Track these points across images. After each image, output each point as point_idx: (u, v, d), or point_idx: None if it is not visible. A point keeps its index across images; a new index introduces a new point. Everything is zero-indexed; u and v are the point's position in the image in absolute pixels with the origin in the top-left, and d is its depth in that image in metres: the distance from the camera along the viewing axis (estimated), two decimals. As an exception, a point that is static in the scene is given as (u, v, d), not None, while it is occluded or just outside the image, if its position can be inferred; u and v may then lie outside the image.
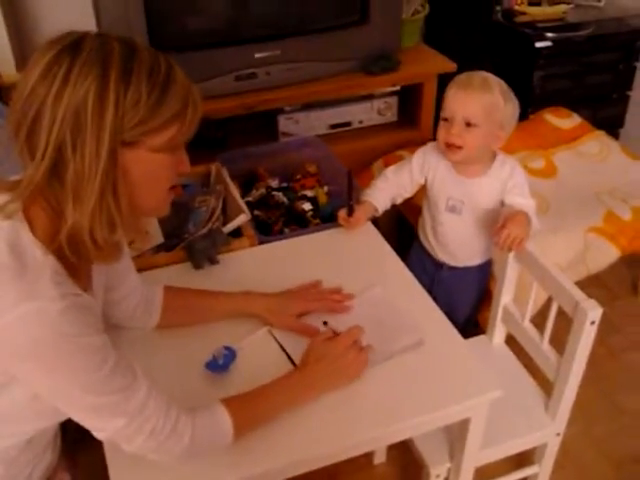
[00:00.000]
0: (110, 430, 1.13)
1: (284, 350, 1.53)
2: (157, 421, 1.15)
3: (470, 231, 1.99)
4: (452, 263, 2.09)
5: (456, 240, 2.04)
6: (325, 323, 1.58)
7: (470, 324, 2.18)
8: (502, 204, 1.91)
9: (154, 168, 1.10)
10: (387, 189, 2.01)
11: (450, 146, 1.86)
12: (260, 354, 1.50)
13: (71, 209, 1.03)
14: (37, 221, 1.08)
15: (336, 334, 1.49)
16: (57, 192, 1.04)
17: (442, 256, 2.10)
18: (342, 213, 1.89)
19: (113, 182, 1.04)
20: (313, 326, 1.59)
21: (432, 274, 2.11)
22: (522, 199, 1.87)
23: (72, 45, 1.01)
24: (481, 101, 1.79)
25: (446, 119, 1.85)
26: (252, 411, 1.33)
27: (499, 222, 1.76)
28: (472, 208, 1.95)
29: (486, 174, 1.91)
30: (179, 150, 1.14)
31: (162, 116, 1.04)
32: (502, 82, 1.84)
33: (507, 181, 1.89)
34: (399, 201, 2.06)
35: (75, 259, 1.10)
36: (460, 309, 2.08)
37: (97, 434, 1.14)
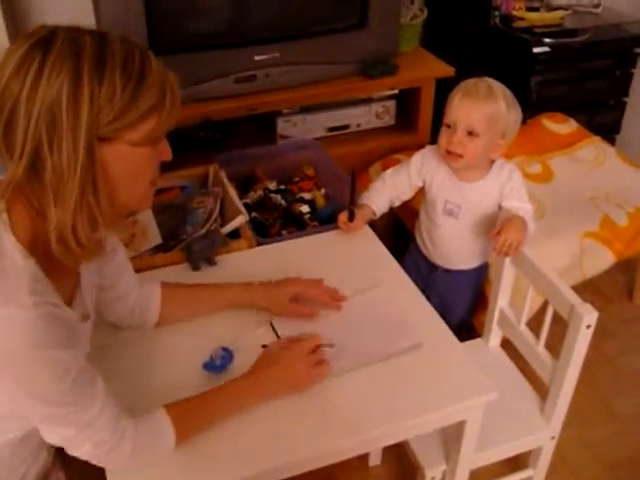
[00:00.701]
0: (58, 437, 1.14)
1: None
2: (105, 434, 1.15)
3: (466, 235, 2.00)
4: (447, 266, 2.10)
5: (452, 243, 2.04)
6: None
7: (464, 327, 2.18)
8: (500, 208, 1.92)
9: (134, 162, 1.09)
10: (385, 192, 2.01)
11: (451, 153, 1.86)
12: (257, 355, 1.50)
13: (53, 208, 1.02)
14: (19, 222, 1.07)
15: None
16: (37, 191, 1.03)
17: (437, 259, 2.10)
18: (343, 217, 1.88)
19: (93, 179, 1.02)
20: (309, 309, 1.59)
21: (426, 277, 2.11)
22: (519, 203, 1.88)
23: (44, 40, 0.99)
24: (485, 111, 1.79)
25: (449, 125, 1.85)
26: (195, 417, 1.32)
27: (496, 227, 1.76)
28: (469, 212, 1.95)
29: (484, 178, 1.92)
30: (160, 141, 1.12)
31: (139, 109, 1.03)
32: (507, 90, 1.84)
33: (505, 185, 1.89)
34: (397, 204, 2.06)
35: (58, 260, 1.09)
36: (454, 312, 2.09)
37: (45, 436, 1.14)
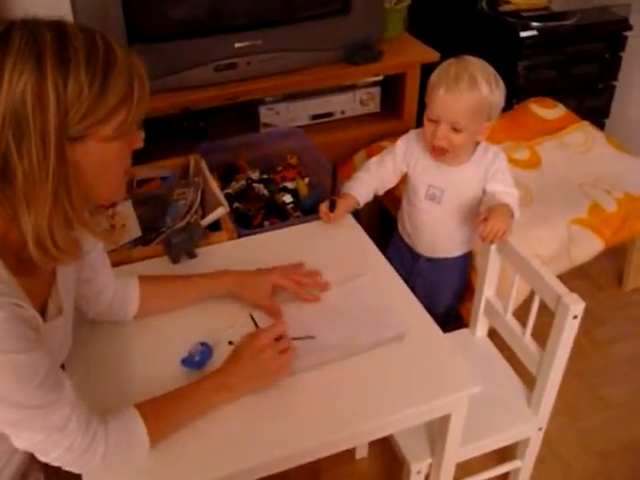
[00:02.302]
0: (27, 442, 1.11)
1: None
2: (75, 439, 1.12)
3: (449, 221, 1.97)
4: (430, 254, 2.07)
5: (434, 230, 2.01)
6: (230, 343, 1.50)
7: (450, 317, 2.16)
8: (484, 192, 1.89)
9: (106, 157, 1.06)
10: (370, 181, 1.98)
11: (436, 148, 1.83)
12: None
13: (26, 213, 0.99)
14: None
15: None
16: (9, 196, 1.00)
17: (420, 247, 2.08)
18: (323, 207, 1.85)
19: (65, 181, 1.00)
20: (279, 308, 1.58)
21: (410, 266, 2.08)
22: (504, 187, 1.85)
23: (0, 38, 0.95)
24: (469, 103, 1.74)
25: (432, 120, 1.81)
26: (167, 416, 1.29)
27: (481, 214, 1.73)
28: (453, 197, 1.92)
29: (469, 161, 1.89)
30: (131, 133, 1.09)
31: (108, 104, 1.00)
32: (488, 68, 1.78)
33: (489, 167, 1.86)
34: (382, 192, 2.03)
35: (27, 262, 1.06)
36: (439, 302, 2.07)
37: (15, 442, 1.11)
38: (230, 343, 1.49)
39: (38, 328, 1.09)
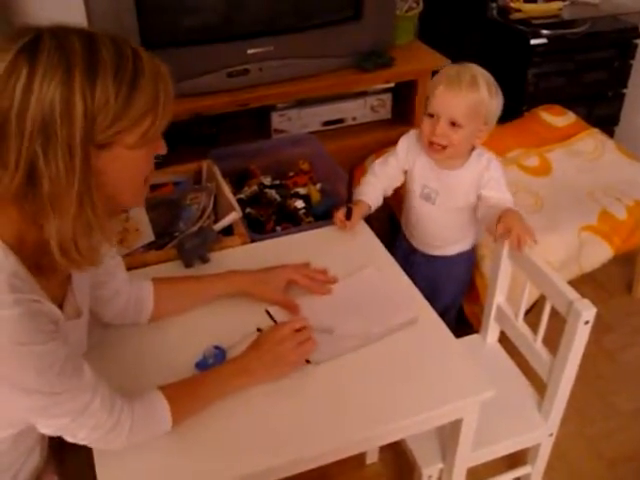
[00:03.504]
0: (53, 427, 1.14)
1: None
2: (100, 418, 1.16)
3: (442, 221, 2.02)
4: (426, 251, 2.12)
5: (428, 228, 2.06)
6: (259, 330, 1.54)
7: (450, 316, 2.17)
8: (478, 198, 1.91)
9: (131, 164, 1.08)
10: (377, 184, 2.00)
11: (433, 145, 1.85)
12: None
13: (52, 219, 1.01)
14: (6, 221, 1.05)
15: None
16: (33, 201, 1.01)
17: (416, 243, 2.12)
18: (340, 215, 1.86)
19: (89, 188, 1.01)
20: (295, 303, 1.61)
21: (408, 261, 2.10)
22: (498, 193, 1.87)
23: (29, 47, 0.95)
24: (468, 101, 1.78)
25: (431, 115, 1.84)
26: (189, 398, 1.34)
27: (497, 229, 1.72)
28: (446, 199, 1.96)
29: (463, 167, 1.91)
30: (155, 141, 1.11)
31: (134, 113, 1.02)
32: (489, 76, 1.83)
33: (483, 173, 1.88)
34: (390, 192, 2.05)
35: (48, 260, 1.08)
36: (436, 298, 2.06)
37: (42, 429, 1.14)
38: (259, 330, 1.53)
39: (57, 322, 1.11)
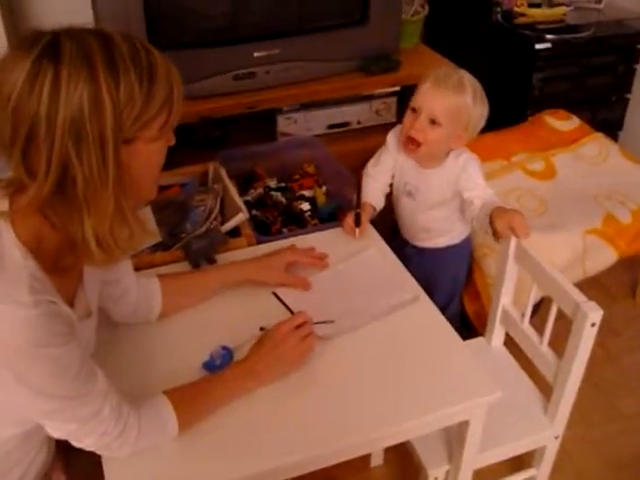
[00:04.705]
0: (62, 431, 1.15)
1: (291, 312, 1.59)
2: (108, 425, 1.16)
3: (425, 216, 2.05)
4: (416, 243, 2.16)
5: (412, 222, 2.11)
6: (261, 329, 1.55)
7: (451, 314, 2.14)
8: (462, 201, 1.93)
9: (150, 157, 1.10)
10: (376, 184, 2.03)
11: (409, 142, 1.88)
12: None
13: (86, 217, 1.02)
14: (24, 223, 1.06)
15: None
16: (56, 204, 1.02)
17: (407, 236, 2.17)
18: (350, 221, 1.87)
19: (122, 182, 1.03)
20: (302, 278, 1.68)
21: (403, 254, 2.09)
22: (479, 191, 1.88)
23: (49, 49, 0.96)
24: (450, 102, 1.81)
25: (414, 110, 1.87)
26: (195, 403, 1.34)
27: (497, 229, 1.73)
28: (425, 196, 2.00)
29: (441, 166, 1.95)
30: (170, 132, 1.13)
31: (156, 103, 1.03)
32: (478, 85, 1.86)
33: (460, 173, 1.90)
34: (388, 190, 2.08)
35: (61, 260, 1.10)
36: (433, 293, 2.08)
37: (51, 432, 1.15)
38: (261, 329, 1.54)
39: (72, 324, 1.12)
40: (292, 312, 1.59)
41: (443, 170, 1.94)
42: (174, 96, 1.07)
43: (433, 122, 1.83)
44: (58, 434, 1.15)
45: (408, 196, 2.03)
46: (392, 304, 1.60)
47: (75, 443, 1.17)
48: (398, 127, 2.03)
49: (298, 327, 1.46)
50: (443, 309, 1.92)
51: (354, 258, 1.75)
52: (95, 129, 0.96)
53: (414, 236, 2.15)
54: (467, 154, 1.93)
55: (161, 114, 1.05)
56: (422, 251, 2.15)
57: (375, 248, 1.79)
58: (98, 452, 1.22)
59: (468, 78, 1.84)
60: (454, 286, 2.24)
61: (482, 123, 1.89)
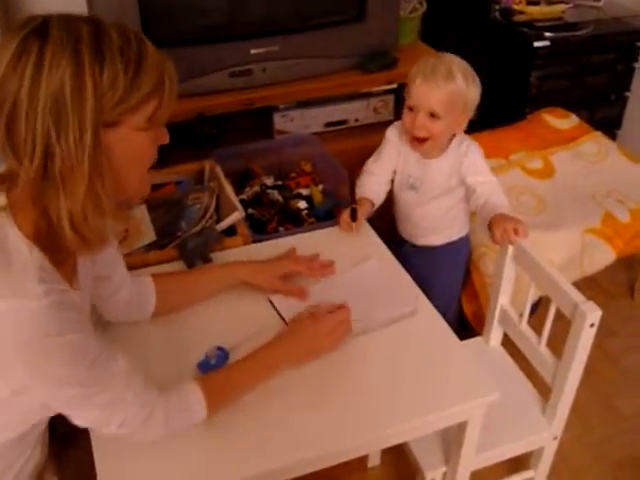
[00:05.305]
0: (86, 419, 1.16)
1: (284, 320, 1.58)
2: (132, 410, 1.17)
3: (426, 210, 2.04)
4: (414, 242, 2.14)
5: (415, 218, 2.09)
6: (275, 309, 1.59)
7: (449, 315, 2.12)
8: (466, 188, 1.93)
9: (136, 147, 1.09)
10: (377, 180, 2.03)
11: (414, 140, 1.89)
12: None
13: (62, 198, 1.01)
14: (23, 215, 1.07)
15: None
16: (40, 184, 1.02)
17: (405, 234, 2.15)
18: (345, 217, 1.86)
19: (99, 166, 1.02)
20: (300, 287, 1.64)
21: (401, 252, 2.08)
22: (482, 177, 1.89)
23: (37, 30, 0.98)
24: (444, 93, 1.81)
25: (411, 108, 1.87)
26: (224, 386, 1.35)
27: (494, 236, 1.74)
28: (430, 187, 1.99)
29: (444, 154, 1.95)
30: (159, 127, 1.13)
31: (141, 91, 1.03)
32: (466, 66, 1.86)
33: (463, 159, 1.91)
34: (389, 187, 2.07)
35: (59, 251, 1.09)
36: (431, 292, 2.08)
37: (75, 421, 1.15)
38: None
39: (83, 311, 1.13)
40: (285, 321, 1.57)
41: (446, 158, 1.94)
42: (164, 87, 1.07)
43: (432, 116, 1.83)
44: (83, 422, 1.16)
45: (411, 189, 2.02)
46: (390, 317, 1.57)
47: (102, 430, 1.18)
48: (397, 123, 2.03)
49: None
50: (441, 309, 1.92)
51: (355, 269, 1.73)
52: (75, 108, 0.97)
53: (413, 233, 2.13)
54: (469, 141, 1.94)
55: (148, 103, 1.05)
56: (421, 250, 2.13)
57: (376, 257, 1.77)
58: (127, 437, 1.22)
59: (456, 63, 1.84)
60: (453, 285, 2.23)
61: (478, 99, 1.89)
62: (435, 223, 2.07)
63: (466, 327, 2.28)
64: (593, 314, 1.52)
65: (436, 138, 1.88)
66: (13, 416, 1.19)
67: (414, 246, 2.14)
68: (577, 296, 1.55)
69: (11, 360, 1.03)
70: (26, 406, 1.18)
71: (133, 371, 1.19)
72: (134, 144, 1.08)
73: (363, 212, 1.89)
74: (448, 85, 1.80)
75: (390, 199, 2.10)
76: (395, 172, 2.05)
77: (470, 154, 1.91)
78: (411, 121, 1.87)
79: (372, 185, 2.01)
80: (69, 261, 1.19)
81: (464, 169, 1.91)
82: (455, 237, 2.12)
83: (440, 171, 1.96)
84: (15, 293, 0.99)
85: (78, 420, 1.15)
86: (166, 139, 1.16)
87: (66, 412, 1.14)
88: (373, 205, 1.97)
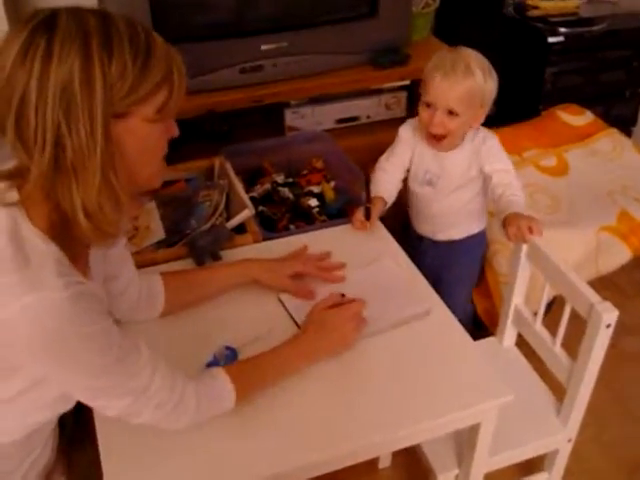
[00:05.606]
0: (117, 408, 1.15)
1: (293, 319, 1.56)
2: (163, 396, 1.17)
3: (444, 205, 2.03)
4: (431, 237, 2.13)
5: (433, 213, 2.08)
6: (342, 296, 1.56)
7: (464, 313, 2.14)
8: (484, 177, 1.93)
9: (147, 138, 1.08)
10: (389, 178, 2.01)
11: (432, 137, 1.90)
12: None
13: (75, 190, 1.01)
14: (36, 209, 1.06)
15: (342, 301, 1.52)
16: (52, 176, 1.01)
17: (422, 230, 2.14)
18: (359, 216, 1.85)
19: (112, 157, 1.02)
20: (308, 288, 1.64)
21: (417, 249, 2.11)
22: (499, 164, 1.89)
23: (45, 22, 0.98)
24: (463, 90, 1.80)
25: (428, 105, 1.86)
26: (252, 376, 1.36)
27: (508, 235, 1.73)
28: (448, 181, 1.98)
29: (460, 146, 1.94)
30: (169, 118, 1.12)
31: (150, 82, 1.03)
32: (483, 59, 1.85)
33: (480, 147, 1.91)
34: (400, 186, 2.05)
35: (75, 246, 1.10)
36: (446, 288, 2.05)
37: (105, 412, 1.16)
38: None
39: (103, 301, 1.13)
40: (295, 320, 1.56)
41: (463, 149, 1.94)
42: (173, 78, 1.06)
43: (451, 113, 1.82)
44: (113, 413, 1.15)
45: (428, 185, 2.01)
46: (403, 317, 1.56)
47: (133, 419, 1.18)
48: (410, 121, 2.02)
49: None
50: (459, 305, 1.91)
51: (367, 267, 1.71)
52: (85, 99, 0.97)
53: (432, 229, 2.12)
54: (484, 131, 1.95)
55: (157, 94, 1.04)
56: (440, 245, 2.12)
57: (389, 256, 1.75)
58: (160, 426, 1.22)
59: (473, 58, 1.83)
60: (470, 279, 2.21)
61: (495, 93, 1.88)
62: (454, 217, 2.06)
63: (479, 326, 2.25)
64: (609, 315, 1.49)
65: (454, 134, 1.88)
66: (24, 415, 1.19)
67: (431, 240, 2.13)
68: (593, 296, 1.52)
69: (35, 354, 1.02)
70: (41, 400, 1.18)
71: (157, 357, 1.19)
72: (144, 136, 1.07)
73: (376, 211, 1.88)
74: (467, 81, 1.79)
75: (403, 197, 2.08)
76: (408, 170, 2.04)
77: (488, 141, 1.92)
78: (429, 118, 1.86)
79: (385, 183, 1.99)
80: (83, 256, 1.19)
81: (482, 157, 1.91)
82: (475, 230, 2.11)
83: (458, 163, 1.95)
84: (35, 287, 0.98)
85: (110, 410, 1.15)
86: (176, 132, 1.16)
87: (96, 404, 1.15)
88: (386, 203, 1.94)
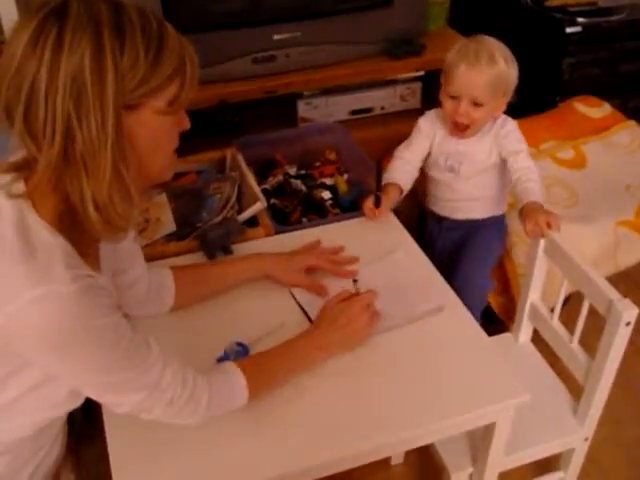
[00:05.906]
0: (128, 405, 1.14)
1: (305, 313, 1.55)
2: (174, 391, 1.16)
3: (466, 190, 2.04)
4: (452, 216, 2.13)
5: (455, 199, 2.08)
6: (355, 281, 1.53)
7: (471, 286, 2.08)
8: (502, 160, 1.94)
9: (158, 131, 1.07)
10: (406, 166, 2.00)
11: (455, 127, 1.92)
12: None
13: (85, 182, 0.99)
14: (43, 201, 1.05)
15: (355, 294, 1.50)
16: (61, 168, 0.99)
17: (444, 212, 2.13)
18: (369, 203, 1.82)
19: (123, 150, 1.00)
20: (320, 283, 1.62)
21: (438, 229, 2.14)
22: (515, 146, 1.91)
23: (56, 11, 0.96)
24: (487, 78, 1.81)
25: (452, 96, 1.87)
26: (266, 372, 1.35)
27: (525, 228, 1.72)
28: (470, 167, 1.99)
29: (480, 132, 1.96)
30: (181, 110, 1.11)
31: (162, 73, 1.01)
32: (504, 47, 1.86)
33: (499, 132, 1.93)
34: (417, 174, 2.04)
35: (84, 239, 1.08)
36: (459, 266, 2.07)
37: (115, 409, 1.15)
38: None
39: (113, 295, 1.11)
40: (307, 314, 1.54)
41: (483, 135, 1.95)
42: (186, 69, 1.05)
43: (475, 104, 1.84)
44: (125, 409, 1.14)
45: (450, 171, 2.01)
46: (417, 313, 1.53)
47: (145, 415, 1.17)
48: (430, 112, 2.05)
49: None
50: (474, 286, 1.88)
51: (381, 262, 1.69)
52: (96, 90, 0.95)
53: (450, 210, 2.11)
54: (504, 115, 1.96)
55: (169, 85, 1.03)
56: (457, 222, 2.12)
57: (403, 250, 1.73)
58: (172, 421, 1.21)
59: (496, 46, 1.84)
60: (486, 261, 2.15)
61: (516, 81, 1.89)
62: (475, 202, 2.07)
63: (493, 320, 2.22)
64: (629, 312, 1.46)
65: (477, 124, 1.90)
66: (33, 411, 1.17)
67: (453, 220, 2.12)
68: (612, 293, 1.49)
69: (44, 347, 1.01)
70: (52, 398, 1.16)
71: (167, 353, 1.18)
72: (156, 128, 1.06)
73: (391, 198, 1.86)
74: (492, 70, 1.80)
75: (417, 187, 2.06)
76: (426, 159, 2.04)
77: (507, 125, 1.93)
78: (453, 109, 1.88)
79: (403, 172, 1.98)
80: (93, 249, 1.17)
81: (500, 141, 1.92)
82: (497, 212, 2.11)
83: (479, 149, 1.96)
84: (43, 280, 0.97)
85: (121, 407, 1.14)
86: (187, 125, 1.14)
87: (108, 401, 1.13)
88: (402, 192, 1.93)
